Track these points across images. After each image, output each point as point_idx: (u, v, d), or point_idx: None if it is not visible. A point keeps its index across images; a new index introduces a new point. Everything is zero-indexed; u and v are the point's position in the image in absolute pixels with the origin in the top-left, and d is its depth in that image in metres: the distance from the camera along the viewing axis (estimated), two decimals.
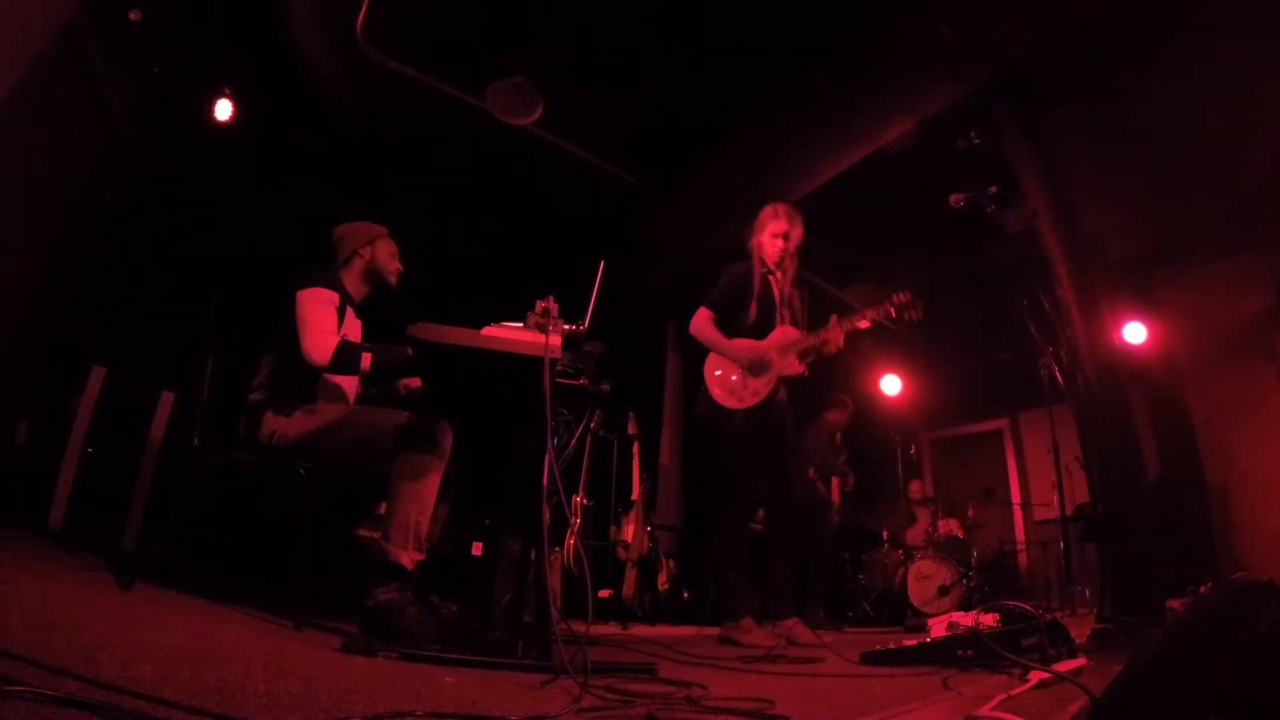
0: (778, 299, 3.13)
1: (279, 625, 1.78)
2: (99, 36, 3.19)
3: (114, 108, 3.50)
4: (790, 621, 2.89)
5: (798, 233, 3.11)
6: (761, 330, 3.07)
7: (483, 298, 2.25)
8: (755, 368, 2.99)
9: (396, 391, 2.44)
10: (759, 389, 2.98)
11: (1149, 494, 3.96)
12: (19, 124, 2.72)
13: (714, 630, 3.22)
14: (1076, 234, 3.65)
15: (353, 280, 2.40)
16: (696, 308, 3.15)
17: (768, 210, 3.18)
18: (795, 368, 2.99)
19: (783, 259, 3.11)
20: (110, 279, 3.72)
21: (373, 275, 2.42)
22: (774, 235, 3.11)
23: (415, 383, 2.44)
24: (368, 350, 2.09)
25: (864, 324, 2.95)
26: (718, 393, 3.03)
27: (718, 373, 3.06)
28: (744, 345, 3.04)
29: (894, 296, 2.93)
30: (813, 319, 3.15)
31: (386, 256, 2.43)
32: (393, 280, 2.45)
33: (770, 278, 3.14)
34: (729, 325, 3.09)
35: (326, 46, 3.68)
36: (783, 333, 3.06)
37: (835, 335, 2.95)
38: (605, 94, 4.31)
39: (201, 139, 3.95)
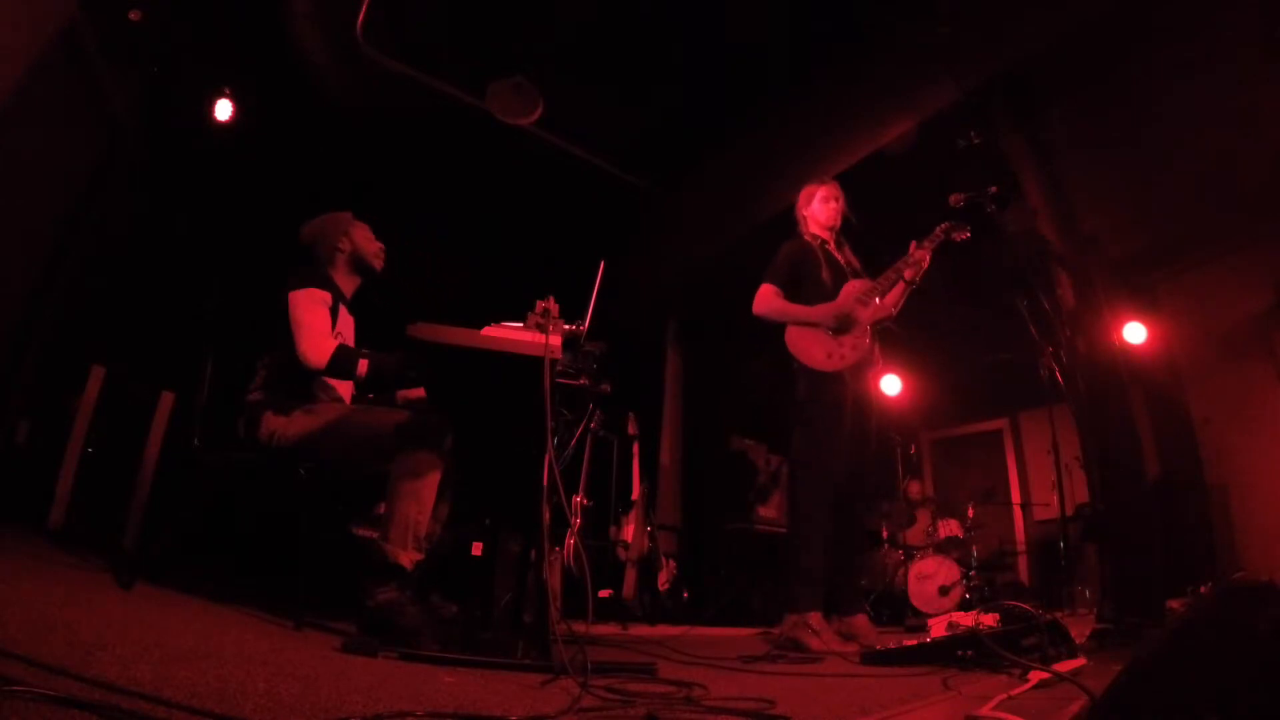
0: (841, 261, 3.14)
1: (279, 625, 1.78)
2: (99, 36, 3.19)
3: (114, 108, 3.50)
4: (860, 618, 2.82)
5: (843, 197, 3.21)
6: (832, 296, 3.02)
7: (483, 298, 2.25)
8: (843, 325, 2.92)
9: (394, 402, 2.41)
10: (856, 343, 2.89)
11: (1149, 494, 3.95)
12: (19, 124, 2.72)
13: (715, 630, 3.20)
14: (1076, 234, 3.65)
15: (342, 276, 2.36)
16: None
17: (811, 185, 3.25)
18: (883, 310, 2.94)
19: (837, 220, 3.17)
20: (110, 279, 3.72)
21: (358, 264, 2.38)
22: (826, 199, 3.17)
23: (417, 393, 2.40)
24: (364, 356, 2.06)
25: (938, 239, 2.99)
26: (818, 359, 2.90)
27: (807, 343, 2.94)
28: (823, 307, 2.97)
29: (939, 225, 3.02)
30: (872, 267, 3.17)
31: (364, 240, 2.39)
32: (378, 264, 2.40)
33: (825, 246, 3.15)
34: (796, 299, 3.04)
35: (326, 46, 3.68)
36: (853, 285, 3.01)
37: (921, 255, 2.96)
38: (605, 94, 4.31)
39: (201, 139, 3.95)
